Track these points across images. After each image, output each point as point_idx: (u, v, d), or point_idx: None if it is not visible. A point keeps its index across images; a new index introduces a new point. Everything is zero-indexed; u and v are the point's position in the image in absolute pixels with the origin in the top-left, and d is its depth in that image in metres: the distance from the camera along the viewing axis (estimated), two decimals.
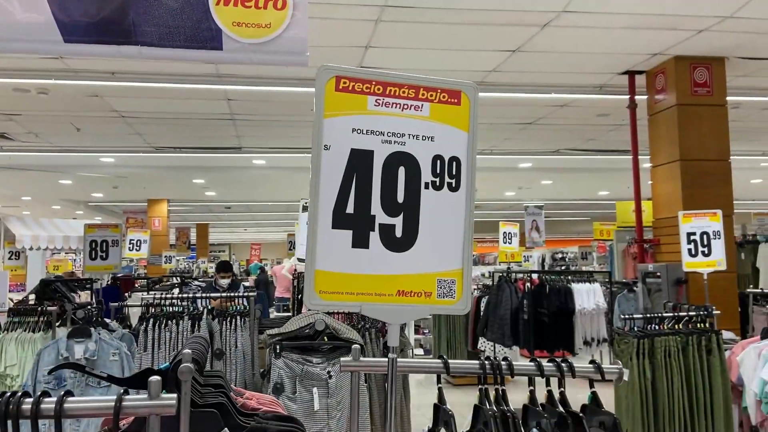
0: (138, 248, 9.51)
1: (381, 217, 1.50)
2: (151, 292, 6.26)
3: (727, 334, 3.81)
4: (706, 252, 3.43)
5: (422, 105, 1.55)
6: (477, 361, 1.60)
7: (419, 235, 1.51)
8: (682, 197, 5.43)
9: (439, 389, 1.69)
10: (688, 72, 6.06)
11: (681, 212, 3.46)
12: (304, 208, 4.44)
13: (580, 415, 1.48)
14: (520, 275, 7.38)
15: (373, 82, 1.53)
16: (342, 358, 1.70)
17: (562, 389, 1.58)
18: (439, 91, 1.56)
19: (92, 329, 3.29)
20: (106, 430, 1.33)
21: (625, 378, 3.36)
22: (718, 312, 3.53)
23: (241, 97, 7.30)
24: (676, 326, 3.52)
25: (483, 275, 12.59)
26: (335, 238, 1.48)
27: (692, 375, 3.32)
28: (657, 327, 3.53)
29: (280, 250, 28.40)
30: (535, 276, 7.41)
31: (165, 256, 15.10)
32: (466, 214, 1.55)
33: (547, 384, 1.59)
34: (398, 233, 1.51)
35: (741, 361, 3.44)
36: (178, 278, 10.52)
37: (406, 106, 1.54)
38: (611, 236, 11.92)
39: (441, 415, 1.65)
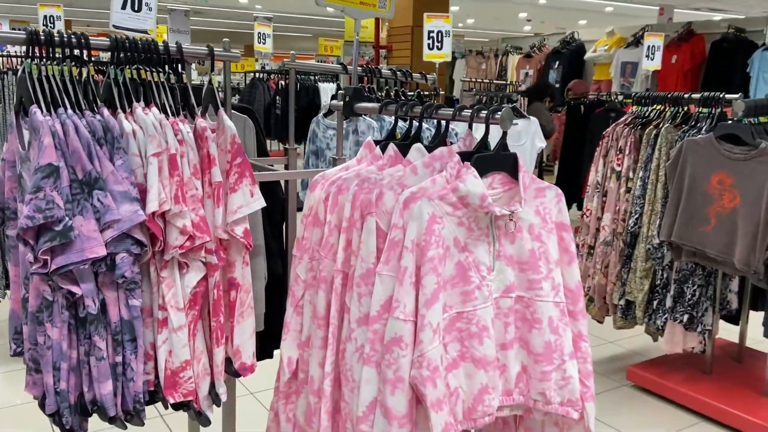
0: None
1: None
2: None
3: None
4: (440, 46, 4.60)
5: None
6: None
7: None
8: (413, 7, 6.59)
9: None
10: None
11: (426, 13, 4.52)
12: None
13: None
14: (273, 75, 8.17)
15: None
16: None
17: None
18: None
19: None
20: None
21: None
22: (443, 93, 4.83)
23: None
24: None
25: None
26: None
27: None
28: None
29: None
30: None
31: None
32: None
33: None
34: None
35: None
36: None
37: None
38: (337, 52, 13.11)
39: None
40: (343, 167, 1.57)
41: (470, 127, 1.50)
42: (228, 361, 1.61)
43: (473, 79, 5.60)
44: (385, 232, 1.37)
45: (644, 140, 3.30)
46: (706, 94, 3.18)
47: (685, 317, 3.13)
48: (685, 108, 3.27)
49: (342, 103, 1.72)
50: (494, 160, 1.42)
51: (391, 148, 1.52)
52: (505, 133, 1.42)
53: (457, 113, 1.44)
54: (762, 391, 3.10)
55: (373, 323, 1.37)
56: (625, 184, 3.37)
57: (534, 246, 1.47)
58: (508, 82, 6.26)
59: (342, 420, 1.44)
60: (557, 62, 9.24)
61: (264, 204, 1.55)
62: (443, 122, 1.57)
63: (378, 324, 1.36)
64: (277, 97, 7.83)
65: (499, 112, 1.39)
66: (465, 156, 1.40)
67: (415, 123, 1.61)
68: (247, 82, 8.57)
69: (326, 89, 7.77)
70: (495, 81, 7.36)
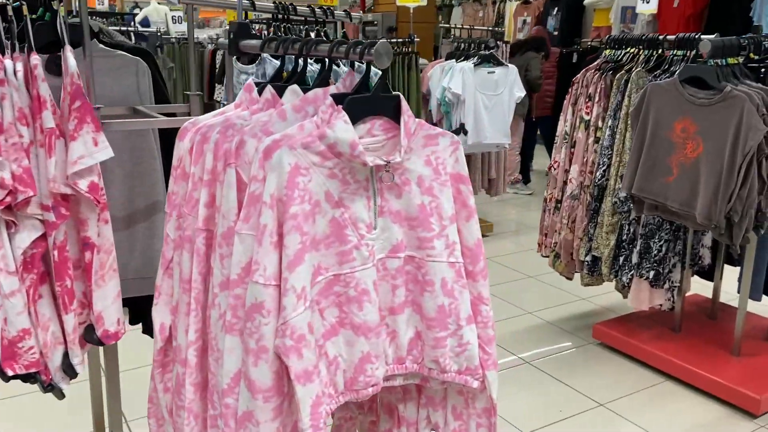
0: None
1: None
2: None
3: (422, 60, 4.97)
4: None
5: None
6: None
7: None
8: None
9: None
10: None
11: None
12: None
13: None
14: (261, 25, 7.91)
15: None
16: None
17: None
18: None
19: None
20: None
21: None
22: (419, 39, 4.61)
23: None
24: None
25: (212, 37, 12.76)
26: None
27: (396, 86, 4.42)
28: None
29: None
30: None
31: None
32: None
33: None
34: None
35: (430, 75, 4.63)
36: None
37: None
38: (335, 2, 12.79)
39: None
40: (218, 113, 1.41)
41: (351, 66, 1.33)
42: (90, 329, 1.48)
43: (455, 26, 5.35)
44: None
45: (614, 86, 3.09)
46: (680, 35, 2.95)
47: (651, 273, 2.98)
48: (659, 51, 3.05)
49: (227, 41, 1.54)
50: (372, 103, 1.25)
51: (268, 90, 1.36)
52: (384, 72, 1.25)
53: (335, 49, 1.27)
54: (730, 349, 2.96)
55: (234, 287, 1.23)
56: (594, 134, 3.18)
57: (424, 200, 1.32)
58: (489, 29, 5.96)
59: (210, 392, 1.32)
60: (556, 9, 8.89)
61: (111, 154, 1.39)
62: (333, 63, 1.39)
63: (239, 288, 1.22)
64: None
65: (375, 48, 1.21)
66: (340, 98, 1.23)
67: (303, 63, 1.44)
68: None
69: None
70: (491, 29, 7.07)
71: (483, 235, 5.25)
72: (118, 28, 4.59)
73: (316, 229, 1.23)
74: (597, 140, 3.16)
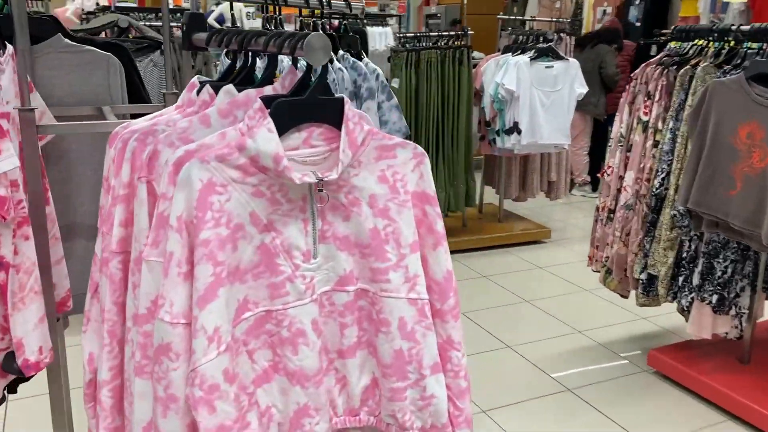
0: None
1: None
2: None
3: (478, 54, 4.68)
4: None
5: None
6: None
7: None
8: None
9: None
10: None
11: None
12: None
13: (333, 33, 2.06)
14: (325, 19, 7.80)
15: None
16: None
17: None
18: None
19: None
20: None
21: (395, 85, 4.13)
22: (472, 32, 4.33)
23: None
24: (439, 44, 4.28)
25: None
26: None
27: (446, 81, 4.16)
28: (424, 44, 4.29)
29: None
30: (336, 22, 7.89)
31: None
32: None
33: None
34: None
35: (484, 70, 4.35)
36: None
37: None
38: None
39: None
40: (155, 115, 1.23)
41: (294, 63, 1.12)
42: (11, 356, 1.35)
43: (514, 17, 5.01)
44: None
45: (677, 83, 2.73)
46: (757, 25, 2.56)
47: (714, 298, 2.61)
48: (732, 43, 2.66)
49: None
50: (309, 108, 1.03)
51: (206, 90, 1.17)
52: (324, 71, 1.03)
53: (270, 42, 1.06)
54: None
55: (143, 323, 1.05)
56: (653, 137, 2.82)
57: (378, 224, 1.09)
58: (554, 20, 5.53)
59: None
60: None
61: (16, 164, 1.24)
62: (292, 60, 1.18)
63: (149, 325, 1.04)
64: None
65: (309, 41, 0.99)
66: (271, 101, 1.03)
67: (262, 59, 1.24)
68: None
69: (374, 33, 7.32)
70: (556, 20, 6.64)
71: (539, 242, 4.92)
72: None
73: (239, 257, 1.03)
74: (656, 144, 2.80)
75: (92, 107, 1.59)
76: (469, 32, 4.30)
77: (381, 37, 7.33)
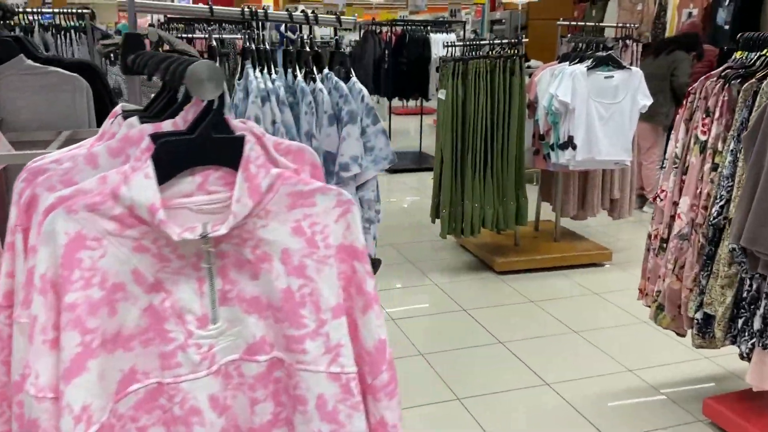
0: None
1: None
2: None
3: (535, 63, 4.40)
4: None
5: None
6: (238, 9, 1.94)
7: None
8: None
9: None
10: None
11: None
12: None
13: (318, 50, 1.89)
14: (385, 27, 7.68)
15: None
16: None
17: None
18: None
19: None
20: None
21: (441, 97, 3.92)
22: (527, 40, 4.06)
23: None
24: (490, 53, 4.04)
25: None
26: None
27: (496, 92, 3.92)
28: (474, 53, 4.06)
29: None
30: (399, 28, 7.75)
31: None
32: None
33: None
34: None
35: (538, 81, 4.07)
36: None
37: None
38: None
39: None
40: (73, 147, 1.10)
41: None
42: None
43: (575, 23, 4.67)
44: None
45: (740, 99, 2.40)
46: None
47: None
48: None
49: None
50: (202, 147, 0.87)
51: (117, 121, 1.03)
52: (220, 103, 0.86)
53: (158, 69, 0.90)
54: None
55: (18, 392, 0.91)
56: (711, 159, 2.49)
57: (291, 284, 0.92)
58: (620, 25, 5.13)
59: None
60: None
61: None
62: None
63: (22, 395, 0.91)
64: (386, 51, 7.34)
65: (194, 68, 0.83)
66: (160, 138, 0.87)
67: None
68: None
69: (437, 40, 7.12)
70: (623, 25, 6.22)
71: (598, 264, 4.56)
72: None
73: (120, 321, 0.88)
74: (715, 167, 2.47)
75: (54, 131, 1.50)
76: (524, 40, 4.03)
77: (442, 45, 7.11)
